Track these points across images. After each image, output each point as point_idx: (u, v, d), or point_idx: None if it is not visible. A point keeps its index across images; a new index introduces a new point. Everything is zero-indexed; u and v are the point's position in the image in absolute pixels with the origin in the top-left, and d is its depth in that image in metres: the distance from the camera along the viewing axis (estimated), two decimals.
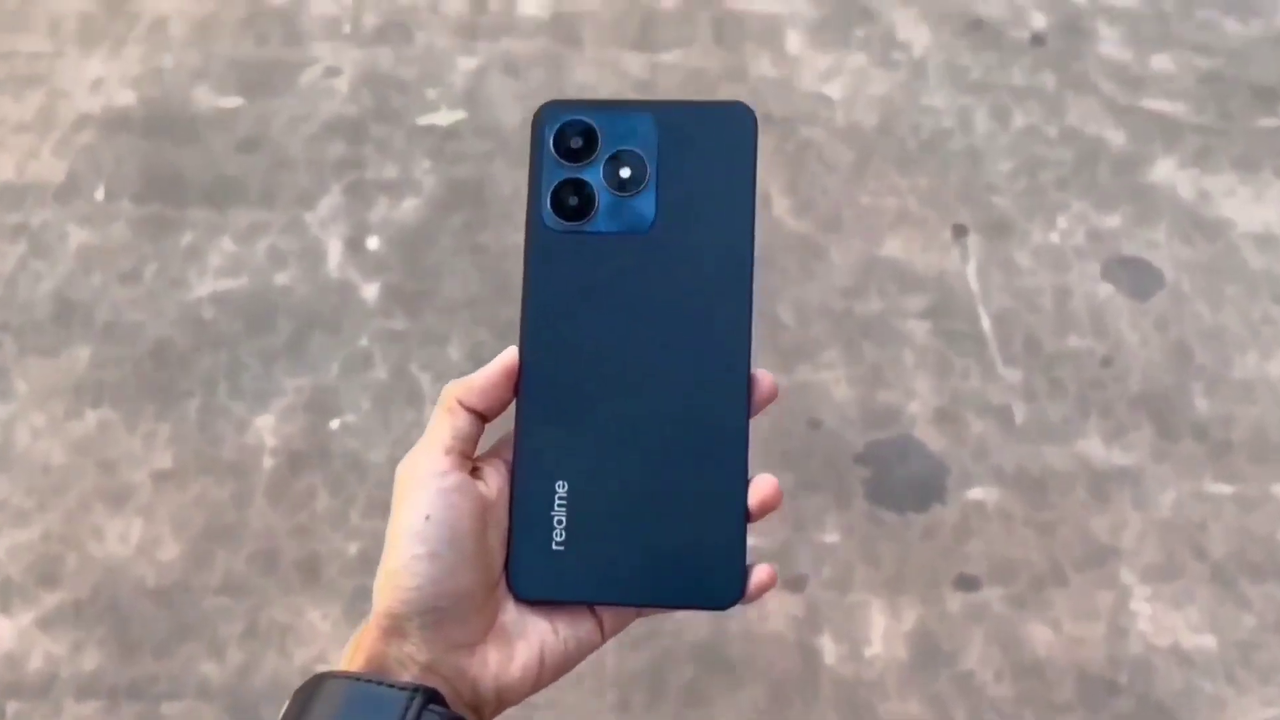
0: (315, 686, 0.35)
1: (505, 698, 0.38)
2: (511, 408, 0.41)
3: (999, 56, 1.60)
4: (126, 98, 1.54)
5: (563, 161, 0.41)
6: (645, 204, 0.40)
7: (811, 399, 1.25)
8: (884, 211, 1.43)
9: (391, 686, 0.34)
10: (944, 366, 1.28)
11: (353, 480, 1.18)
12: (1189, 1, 1.68)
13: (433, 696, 0.35)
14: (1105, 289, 1.35)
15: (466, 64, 1.59)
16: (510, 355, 0.40)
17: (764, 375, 0.40)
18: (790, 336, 1.31)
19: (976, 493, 1.18)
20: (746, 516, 0.39)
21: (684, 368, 0.40)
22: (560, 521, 0.39)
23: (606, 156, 0.41)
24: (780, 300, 1.33)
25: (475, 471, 0.39)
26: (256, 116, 1.52)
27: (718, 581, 0.39)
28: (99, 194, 1.43)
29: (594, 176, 0.41)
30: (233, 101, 1.54)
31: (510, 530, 0.40)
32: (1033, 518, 1.15)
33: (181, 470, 1.19)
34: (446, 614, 0.36)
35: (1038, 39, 1.63)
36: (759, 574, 0.39)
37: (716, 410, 0.39)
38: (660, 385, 0.40)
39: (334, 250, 1.38)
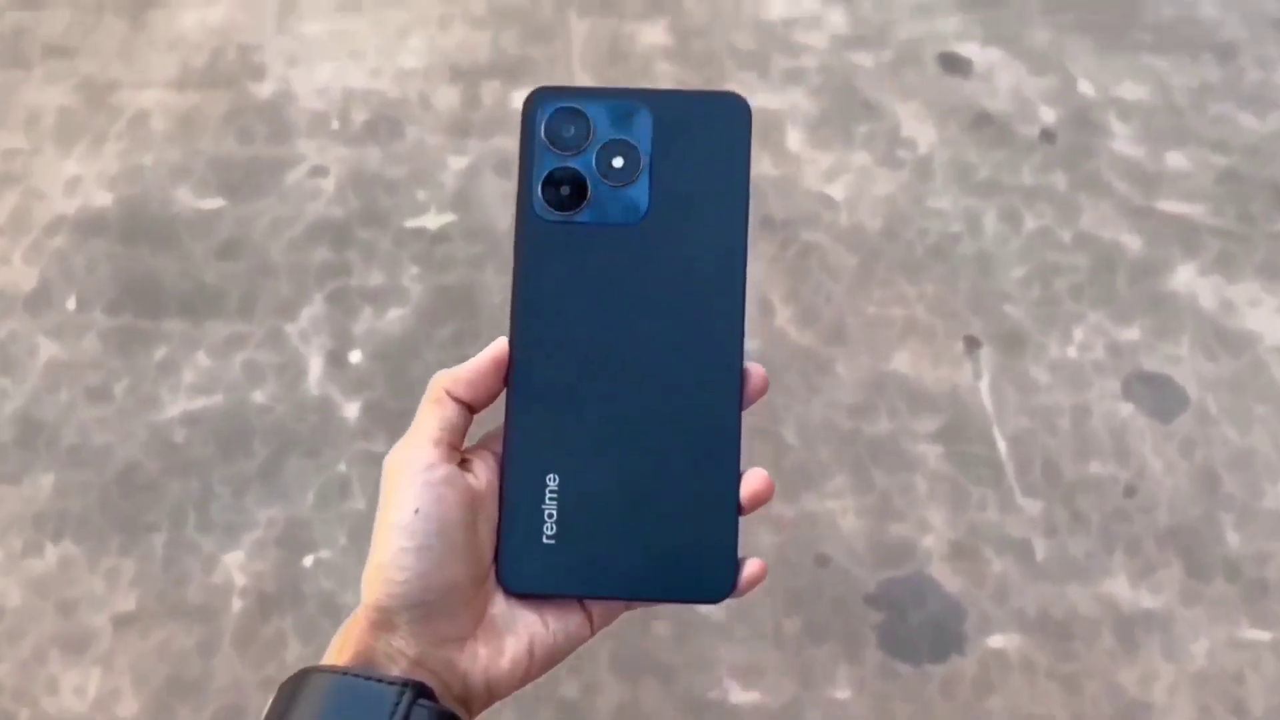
0: (300, 682, 0.34)
1: (495, 691, 0.38)
2: (500, 399, 0.40)
3: (1008, 154, 1.55)
4: (104, 199, 1.48)
5: (554, 149, 0.40)
6: (638, 195, 0.39)
7: (818, 531, 1.17)
8: (891, 322, 1.36)
9: (380, 681, 0.34)
10: (959, 496, 1.20)
11: (326, 625, 1.10)
12: (1202, 95, 1.63)
13: (422, 691, 0.34)
14: (1126, 409, 1.28)
15: (458, 163, 1.54)
16: (500, 346, 0.39)
17: (755, 368, 0.40)
18: (795, 458, 1.23)
19: (997, 640, 1.09)
20: (739, 510, 0.39)
21: (676, 360, 0.39)
22: (551, 515, 0.38)
23: (599, 145, 0.40)
24: (784, 419, 1.26)
25: (464, 463, 0.39)
26: (238, 219, 1.46)
27: (710, 575, 0.38)
28: (70, 303, 1.37)
29: (586, 166, 0.40)
30: (214, 203, 1.48)
31: (500, 523, 0.39)
32: (1057, 669, 1.07)
33: (145, 613, 1.11)
34: (435, 607, 0.36)
35: (1047, 135, 1.57)
36: (750, 567, 0.39)
37: (709, 403, 0.39)
38: (652, 378, 0.39)
39: (315, 365, 1.31)
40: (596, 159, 0.40)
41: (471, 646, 0.37)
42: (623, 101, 0.40)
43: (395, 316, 1.37)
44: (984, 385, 1.30)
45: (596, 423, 0.39)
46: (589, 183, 0.40)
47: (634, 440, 0.39)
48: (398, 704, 0.33)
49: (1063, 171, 1.53)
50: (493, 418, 0.41)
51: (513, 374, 0.39)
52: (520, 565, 0.39)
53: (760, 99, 1.61)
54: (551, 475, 0.39)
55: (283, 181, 1.51)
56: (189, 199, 1.49)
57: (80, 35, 1.69)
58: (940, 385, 1.30)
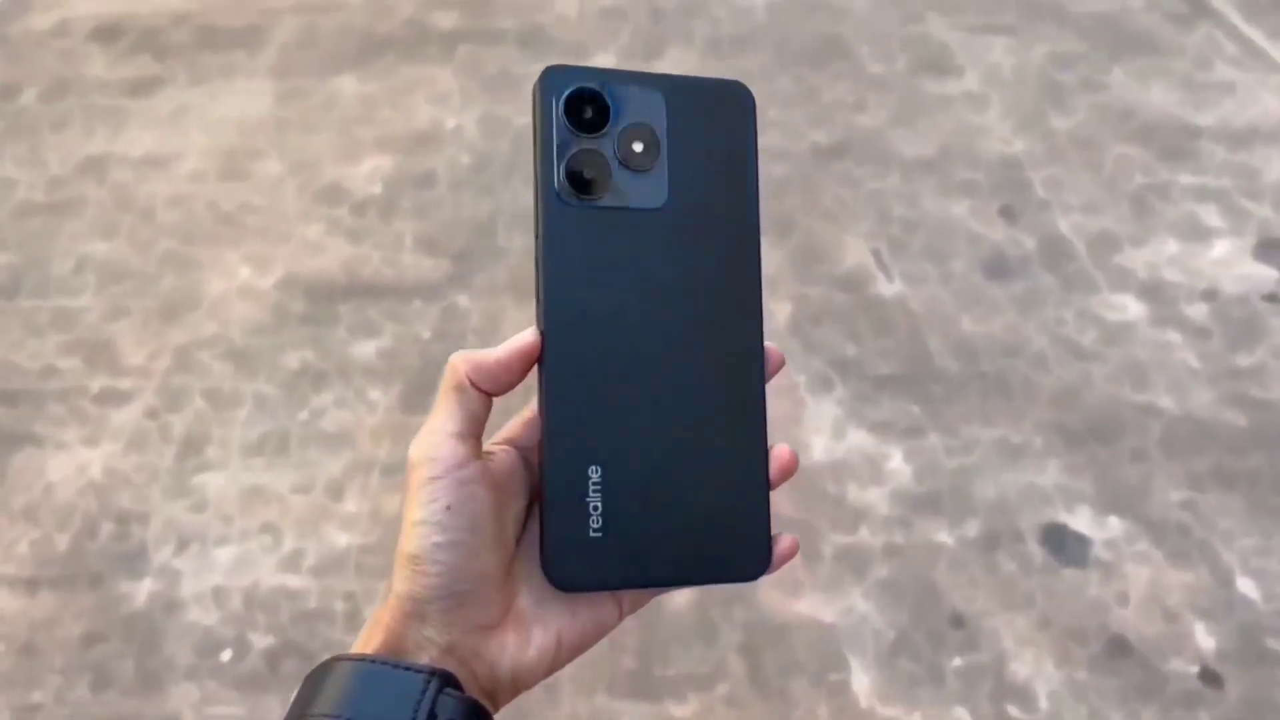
0: (326, 670, 0.34)
1: (521, 680, 0.37)
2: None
3: (1159, 711, 1.09)
4: None
5: (576, 131, 0.38)
6: (659, 180, 0.38)
7: None
8: None
9: (407, 669, 0.33)
10: None
11: None
12: None
13: (448, 680, 0.34)
14: None
15: None
16: (527, 340, 0.37)
17: (772, 348, 0.39)
18: None
19: None
20: (769, 486, 0.38)
21: (703, 345, 0.38)
22: (596, 507, 0.37)
23: (619, 129, 0.38)
24: None
25: (485, 452, 0.37)
26: None
27: (748, 553, 0.38)
28: None
29: (608, 148, 0.38)
30: None
31: (544, 519, 0.37)
32: None
33: None
34: (468, 596, 0.35)
35: (1210, 676, 1.13)
36: (783, 543, 0.38)
37: (737, 384, 0.38)
38: (681, 363, 0.38)
39: None
40: (618, 143, 0.38)
41: (500, 635, 0.36)
42: (638, 85, 0.39)
43: None
44: None
45: (633, 412, 0.37)
46: (611, 166, 0.38)
47: (669, 427, 0.37)
48: (425, 691, 0.33)
49: None
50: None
51: (546, 364, 0.37)
52: (570, 561, 0.36)
53: (806, 607, 1.17)
54: (594, 467, 0.37)
55: None
56: None
57: None
58: None
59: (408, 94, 2.10)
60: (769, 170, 1.87)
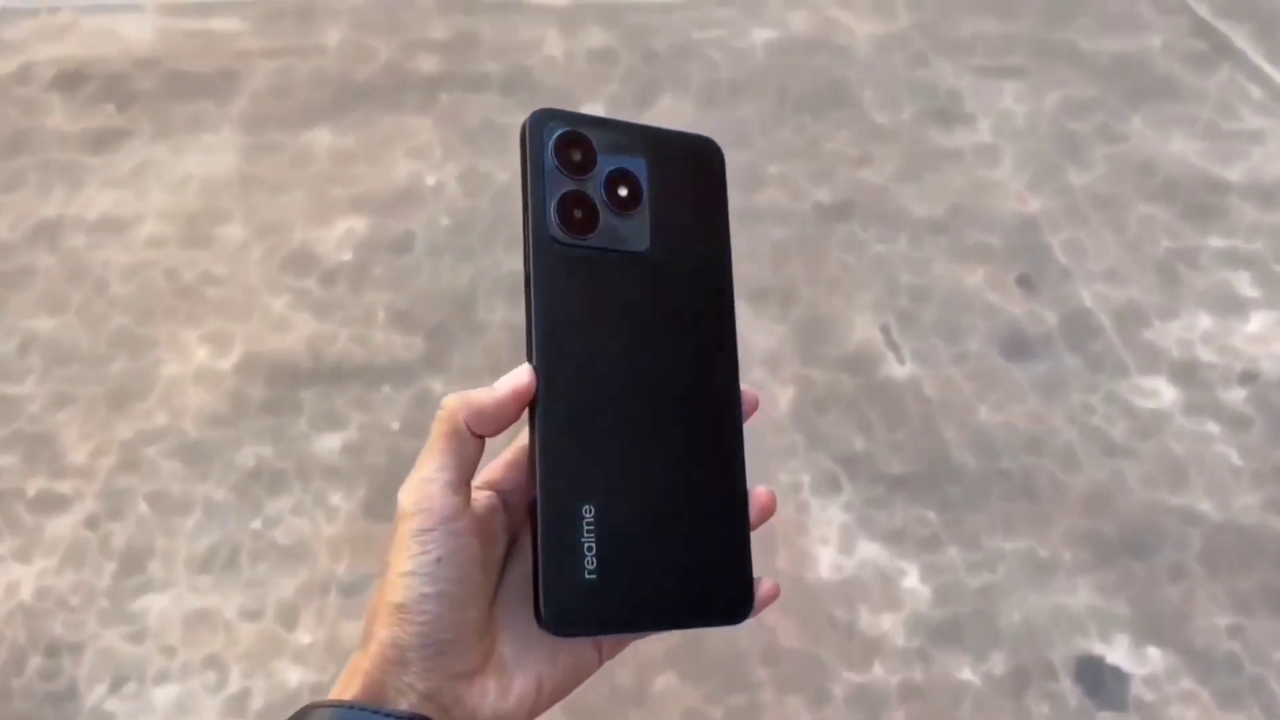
0: (304, 717, 0.33)
1: None
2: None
3: None
4: None
5: (565, 172, 0.38)
6: (642, 224, 0.39)
7: None
8: None
9: (388, 715, 0.33)
10: None
11: None
12: None
13: None
14: None
15: None
16: (524, 380, 0.36)
17: (748, 390, 0.40)
18: None
19: None
20: (749, 529, 0.38)
21: (686, 388, 0.38)
22: (590, 548, 0.36)
23: (605, 173, 0.39)
24: None
25: (474, 503, 0.37)
26: None
27: (732, 596, 0.38)
28: None
29: (595, 191, 0.39)
30: None
31: (539, 561, 0.35)
32: None
33: None
34: (451, 644, 0.35)
35: None
36: (764, 587, 0.38)
37: (717, 427, 0.38)
38: (667, 406, 0.38)
39: None
40: (604, 185, 0.39)
41: (481, 682, 0.36)
42: (621, 133, 0.40)
43: None
44: None
45: (622, 453, 0.37)
46: (599, 208, 0.38)
47: (657, 469, 0.37)
48: None
49: None
50: None
51: (539, 403, 0.36)
52: (564, 605, 0.35)
53: None
54: (587, 507, 0.36)
55: None
56: None
57: None
58: None
59: (386, 147, 1.97)
60: (769, 232, 1.74)
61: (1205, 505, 1.28)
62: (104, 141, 1.98)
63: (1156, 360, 1.49)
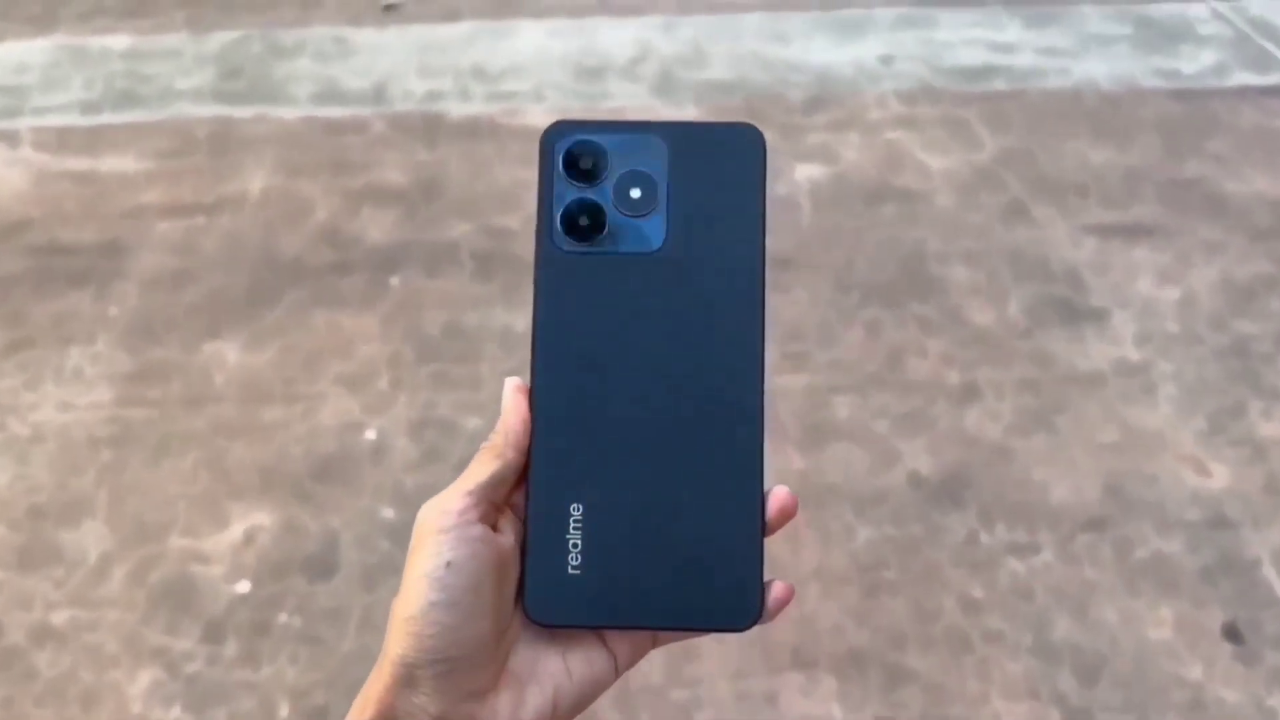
0: None
1: None
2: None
3: None
4: None
5: (573, 182, 0.38)
6: (655, 224, 0.38)
7: None
8: None
9: None
10: None
11: None
12: None
13: None
14: None
15: None
16: (513, 386, 0.37)
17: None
18: None
19: None
20: (763, 532, 0.36)
21: (696, 387, 0.37)
22: (575, 545, 0.36)
23: (616, 176, 0.38)
24: None
25: (497, 526, 0.36)
26: None
27: (736, 601, 0.36)
28: None
29: (604, 197, 0.38)
30: None
31: (524, 553, 0.36)
32: None
33: None
34: (461, 663, 0.34)
35: None
36: (776, 590, 0.36)
37: (728, 427, 0.37)
38: (672, 404, 0.37)
39: None
40: (615, 190, 0.38)
41: (493, 701, 0.35)
42: (640, 133, 0.38)
43: None
44: None
45: (618, 450, 0.37)
46: (607, 213, 0.38)
47: (656, 467, 0.36)
48: None
49: None
50: None
51: (535, 406, 0.37)
52: (546, 596, 0.36)
53: None
54: (575, 504, 0.36)
55: None
56: None
57: None
58: None
59: (312, 369, 1.43)
60: (845, 533, 1.21)
61: None
62: None
63: None
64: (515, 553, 0.36)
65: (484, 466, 0.36)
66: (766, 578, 0.36)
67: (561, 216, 0.37)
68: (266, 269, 1.61)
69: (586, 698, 0.36)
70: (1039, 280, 1.55)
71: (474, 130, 1.91)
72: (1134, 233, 1.64)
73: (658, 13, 2.30)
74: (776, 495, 0.37)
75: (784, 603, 0.36)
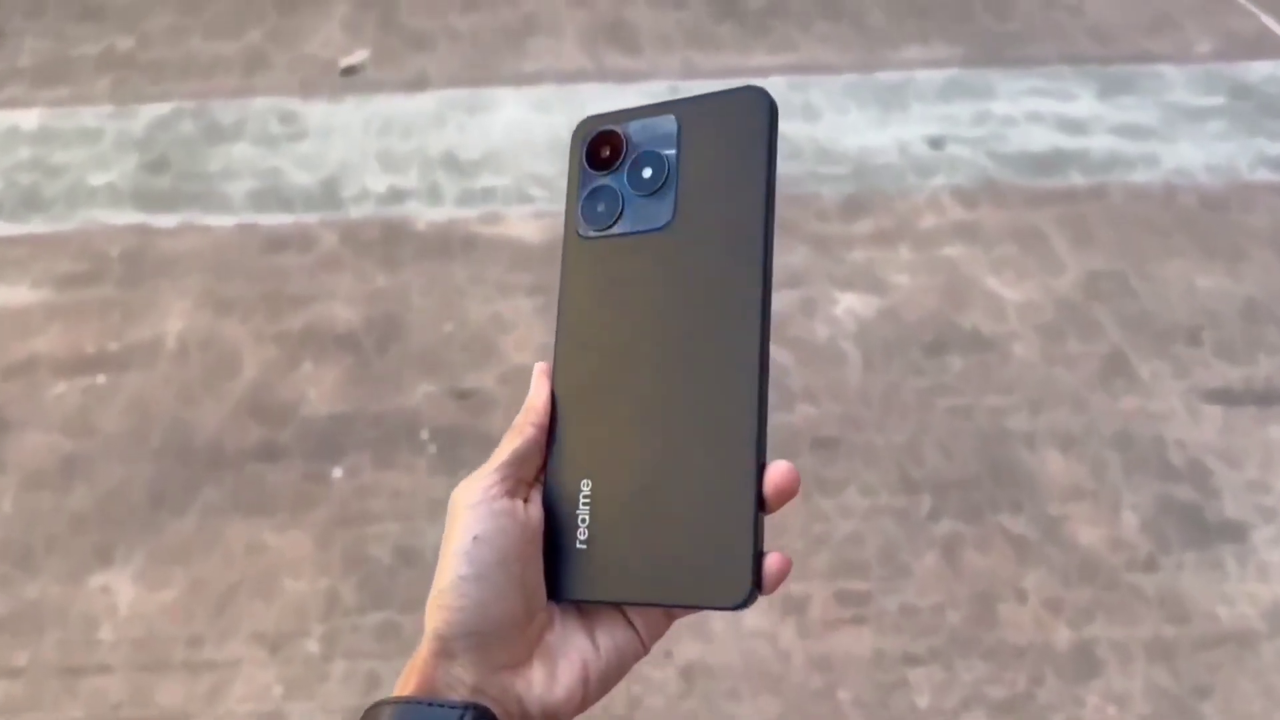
0: (373, 716, 0.34)
1: (553, 717, 0.36)
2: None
3: None
4: None
5: (593, 171, 0.39)
6: (665, 201, 0.38)
7: None
8: None
9: (442, 706, 0.34)
10: None
11: None
12: None
13: (484, 714, 0.34)
14: None
15: None
16: (539, 370, 0.39)
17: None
18: None
19: None
20: (760, 508, 0.35)
21: (698, 361, 0.36)
22: (584, 520, 0.37)
23: (631, 160, 0.39)
24: None
25: (526, 500, 0.37)
26: None
27: (730, 579, 0.35)
28: None
29: (619, 182, 0.39)
30: None
31: (545, 530, 0.37)
32: None
33: None
34: (491, 636, 0.35)
35: None
36: (771, 563, 0.35)
37: (729, 401, 0.36)
38: (677, 381, 0.36)
39: None
40: (629, 173, 0.39)
41: (527, 673, 0.36)
42: (653, 115, 0.39)
43: None
44: None
45: (625, 428, 0.37)
46: (622, 197, 0.38)
47: (659, 443, 0.36)
48: None
49: None
50: None
51: (555, 384, 0.38)
52: (557, 572, 0.37)
53: None
54: (585, 480, 0.37)
55: None
56: None
57: None
58: None
59: (225, 617, 1.09)
60: None
61: None
62: None
63: None
64: (543, 527, 0.37)
65: (509, 443, 0.36)
66: (766, 550, 0.34)
67: (581, 206, 0.39)
68: (176, 457, 1.26)
69: (615, 672, 0.37)
70: (1155, 475, 1.21)
71: (444, 245, 1.56)
72: (1267, 400, 1.30)
73: (660, 78, 1.94)
74: (774, 470, 0.35)
75: (782, 574, 0.35)
